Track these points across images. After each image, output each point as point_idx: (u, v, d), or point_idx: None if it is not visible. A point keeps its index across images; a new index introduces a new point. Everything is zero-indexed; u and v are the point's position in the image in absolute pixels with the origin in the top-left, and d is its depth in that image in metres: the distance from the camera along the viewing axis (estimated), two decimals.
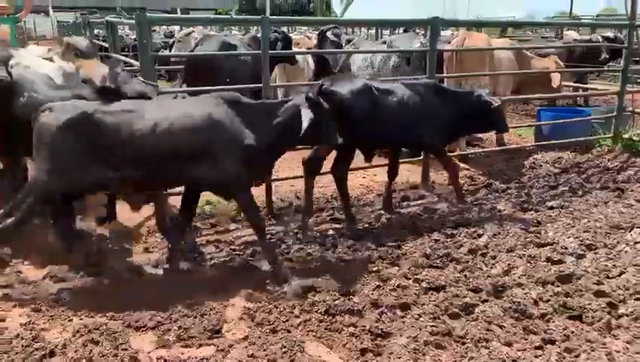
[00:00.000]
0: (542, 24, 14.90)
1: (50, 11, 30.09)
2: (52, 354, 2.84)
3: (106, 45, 7.03)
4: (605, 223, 4.72)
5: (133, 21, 4.22)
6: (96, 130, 3.34)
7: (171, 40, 11.37)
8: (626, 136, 6.90)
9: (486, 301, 3.44)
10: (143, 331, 3.09)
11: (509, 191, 5.70)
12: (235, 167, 3.52)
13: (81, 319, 3.18)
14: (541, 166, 6.62)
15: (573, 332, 3.09)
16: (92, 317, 3.20)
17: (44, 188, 3.38)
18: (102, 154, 3.36)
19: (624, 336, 3.07)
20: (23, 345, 2.90)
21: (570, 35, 15.15)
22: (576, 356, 2.89)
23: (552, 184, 5.98)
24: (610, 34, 10.95)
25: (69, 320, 3.17)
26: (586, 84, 10.77)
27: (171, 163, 3.42)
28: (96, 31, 9.74)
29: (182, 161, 3.44)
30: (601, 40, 10.64)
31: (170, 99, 4.27)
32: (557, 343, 3.00)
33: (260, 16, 4.79)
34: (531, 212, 5.06)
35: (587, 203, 5.30)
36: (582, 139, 7.09)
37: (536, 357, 2.87)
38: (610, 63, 10.93)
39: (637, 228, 4.59)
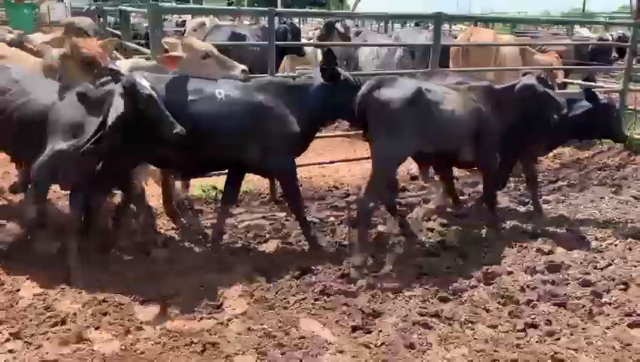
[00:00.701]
0: (543, 21, 14.83)
1: None
2: (63, 322, 3.03)
3: (119, 33, 7.20)
4: (599, 217, 4.86)
5: (145, 10, 4.39)
6: (427, 106, 3.80)
7: (182, 29, 11.54)
8: (627, 134, 6.97)
9: (475, 286, 3.60)
10: (148, 305, 3.28)
11: (508, 185, 5.82)
12: None
13: (91, 292, 3.38)
14: (541, 161, 6.72)
15: (555, 317, 3.24)
16: (101, 291, 3.40)
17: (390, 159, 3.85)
18: (426, 129, 3.78)
19: (604, 323, 3.21)
20: (36, 314, 3.11)
21: (582, 32, 15.11)
22: (557, 339, 3.05)
23: (551, 179, 6.11)
24: (620, 32, 10.94)
25: (79, 293, 3.36)
26: (595, 82, 10.79)
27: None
28: (109, 18, 9.92)
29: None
30: (610, 39, 10.64)
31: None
32: (539, 327, 3.15)
33: (267, 8, 4.94)
34: (528, 205, 5.19)
35: (584, 198, 5.42)
36: None
37: (518, 339, 3.03)
38: (619, 62, 10.93)
39: (629, 223, 4.73)
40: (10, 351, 2.77)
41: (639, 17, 7.34)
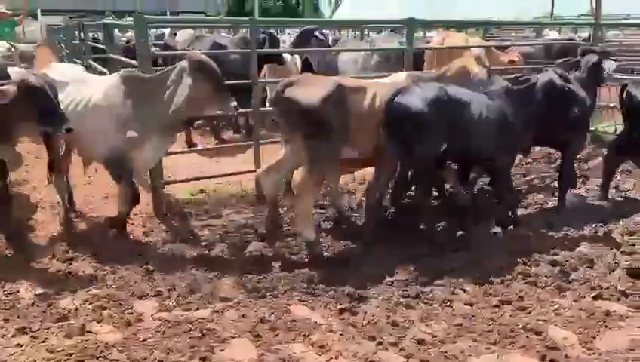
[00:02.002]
0: (508, 23, 15.40)
1: (39, 14, 30.19)
2: (66, 317, 3.19)
3: (102, 47, 7.36)
4: (568, 205, 5.17)
5: (130, 22, 4.58)
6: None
7: (162, 42, 11.72)
8: (592, 128, 7.34)
9: (456, 269, 3.85)
10: (145, 299, 3.46)
11: (481, 179, 6.10)
12: None
13: (89, 290, 3.54)
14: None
15: (527, 293, 3.50)
16: (99, 288, 3.56)
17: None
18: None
19: (572, 296, 3.49)
20: (39, 311, 3.26)
21: (551, 35, 15.68)
22: (528, 312, 3.31)
23: (522, 172, 6.42)
24: (587, 34, 11.41)
25: (78, 292, 3.52)
26: None
27: None
28: (90, 33, 10.04)
29: None
30: (577, 39, 11.11)
31: None
32: (512, 303, 3.41)
33: (248, 18, 5.17)
34: None
35: (553, 188, 5.73)
36: None
37: (493, 313, 3.28)
38: None
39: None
40: (18, 345, 2.92)
41: (598, 18, 7.69)
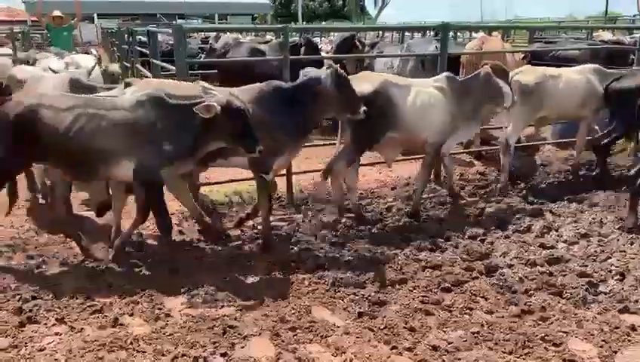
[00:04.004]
0: (545, 27, 14.87)
1: (95, 18, 31.62)
2: (101, 310, 3.42)
3: (147, 51, 7.71)
4: (606, 214, 5.04)
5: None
6: None
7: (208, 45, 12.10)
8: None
9: (476, 278, 3.85)
10: (175, 296, 3.64)
11: (517, 186, 6.02)
12: None
13: (124, 286, 3.76)
14: (552, 163, 6.89)
15: (549, 304, 3.47)
16: (134, 285, 3.78)
17: None
18: None
19: (596, 309, 3.43)
20: (77, 304, 3.50)
21: (603, 36, 15.11)
22: (550, 323, 3.28)
23: (561, 180, 6.28)
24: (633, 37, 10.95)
25: (114, 287, 3.75)
26: None
27: None
28: (138, 37, 10.49)
29: None
30: (626, 42, 10.68)
31: None
32: (534, 313, 3.39)
33: (281, 25, 5.31)
34: (535, 205, 5.38)
35: (596, 197, 5.58)
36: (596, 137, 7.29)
37: (512, 323, 3.27)
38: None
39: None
40: (57, 334, 3.16)
41: None
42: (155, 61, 5.97)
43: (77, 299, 3.56)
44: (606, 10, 22.91)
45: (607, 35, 15.23)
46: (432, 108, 4.78)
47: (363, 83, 4.56)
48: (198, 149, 3.84)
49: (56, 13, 10.22)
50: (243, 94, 3.96)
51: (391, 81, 4.78)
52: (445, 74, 5.03)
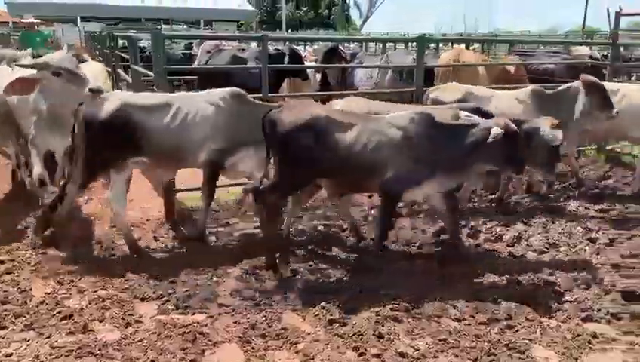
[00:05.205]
0: (519, 41, 15.16)
1: (79, 21, 31.36)
2: (71, 316, 3.40)
3: (127, 57, 7.70)
4: (576, 225, 5.16)
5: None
6: None
7: (191, 50, 12.10)
8: (608, 147, 7.29)
9: (447, 286, 3.92)
10: (146, 301, 3.64)
11: (492, 197, 6.12)
12: None
13: (96, 291, 3.75)
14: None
15: (516, 312, 3.54)
16: (105, 289, 3.77)
17: None
18: None
19: (560, 317, 3.52)
20: (47, 309, 3.48)
21: (580, 50, 15.46)
22: (516, 331, 3.36)
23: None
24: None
25: (85, 292, 3.74)
26: None
27: None
28: (120, 42, 10.45)
29: None
30: (599, 57, 10.96)
31: None
32: (500, 321, 3.46)
33: (260, 34, 5.36)
34: (509, 215, 5.48)
35: (565, 206, 5.72)
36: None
37: (479, 330, 3.34)
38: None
39: (602, 231, 5.02)
40: (24, 340, 3.14)
41: (617, 37, 7.63)
42: (134, 67, 5.96)
43: (47, 304, 3.54)
44: (583, 25, 23.39)
45: (584, 50, 15.63)
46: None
47: None
48: (465, 169, 3.98)
49: (29, 19, 10.19)
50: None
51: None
52: (532, 87, 5.39)
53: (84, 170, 4.18)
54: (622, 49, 9.47)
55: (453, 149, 3.87)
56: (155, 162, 4.24)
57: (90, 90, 4.10)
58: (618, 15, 7.75)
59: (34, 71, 4.34)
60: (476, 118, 4.04)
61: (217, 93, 4.32)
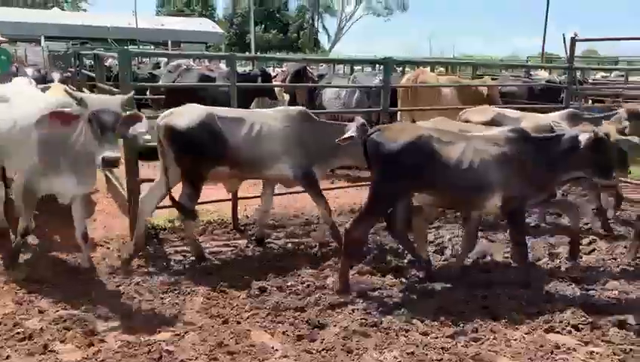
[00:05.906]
0: (481, 64, 15.84)
1: (42, 40, 30.81)
2: (31, 337, 3.29)
3: (94, 75, 7.60)
4: (538, 241, 5.30)
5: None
6: None
7: (157, 71, 12.05)
8: None
9: (415, 300, 3.96)
10: (111, 320, 3.55)
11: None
12: None
13: (57, 311, 3.64)
14: None
15: (482, 325, 3.60)
16: (66, 309, 3.66)
17: None
18: None
19: (524, 329, 3.59)
20: (5, 330, 3.36)
21: (540, 74, 16.12)
22: (481, 343, 3.41)
23: None
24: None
25: (46, 312, 3.62)
26: None
27: None
28: (86, 61, 10.33)
29: None
30: (557, 80, 11.45)
31: None
32: (467, 334, 3.51)
33: (228, 53, 5.40)
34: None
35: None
36: None
37: (445, 343, 3.38)
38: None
39: (562, 245, 5.17)
40: None
41: (572, 61, 7.99)
42: (100, 85, 5.90)
43: (5, 325, 3.41)
44: (542, 51, 24.37)
45: (544, 74, 16.30)
46: None
47: None
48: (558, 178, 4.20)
49: None
50: None
51: None
52: (569, 110, 5.51)
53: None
54: (578, 73, 9.96)
55: (552, 160, 4.03)
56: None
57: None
58: (573, 41, 8.11)
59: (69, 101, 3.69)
60: (565, 128, 4.19)
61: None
